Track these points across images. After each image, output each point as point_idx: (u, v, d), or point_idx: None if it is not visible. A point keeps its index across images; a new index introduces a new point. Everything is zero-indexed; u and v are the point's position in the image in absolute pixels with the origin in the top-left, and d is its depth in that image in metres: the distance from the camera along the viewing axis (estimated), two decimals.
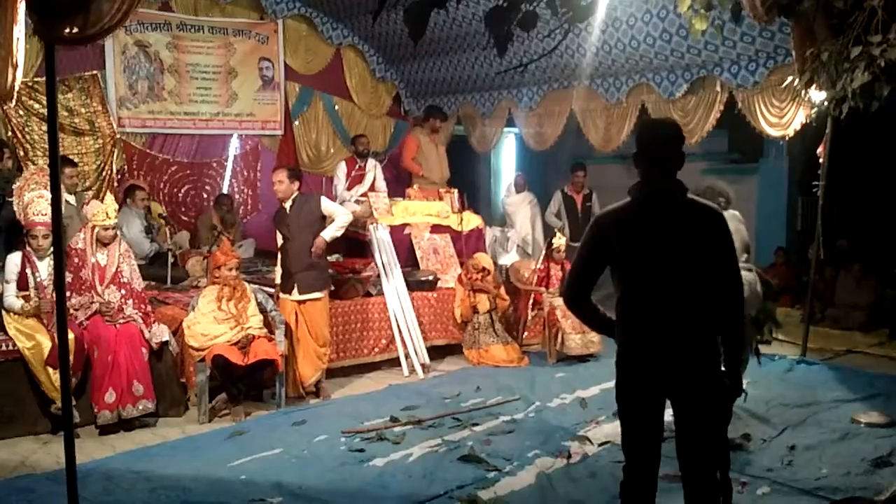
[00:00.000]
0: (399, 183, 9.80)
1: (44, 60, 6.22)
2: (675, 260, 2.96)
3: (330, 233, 6.07)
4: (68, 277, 5.36)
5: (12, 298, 5.29)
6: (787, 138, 7.25)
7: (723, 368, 3.05)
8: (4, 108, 7.17)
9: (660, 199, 3.02)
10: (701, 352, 3.02)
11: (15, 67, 3.93)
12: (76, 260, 5.48)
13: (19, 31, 3.82)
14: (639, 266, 3.01)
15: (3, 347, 5.20)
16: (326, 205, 6.12)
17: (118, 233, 5.72)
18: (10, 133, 7.56)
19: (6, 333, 5.24)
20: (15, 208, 5.46)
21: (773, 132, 7.13)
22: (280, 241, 6.16)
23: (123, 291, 5.56)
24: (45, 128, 7.79)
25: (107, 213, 5.52)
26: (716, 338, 3.06)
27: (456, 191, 8.77)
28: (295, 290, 6.04)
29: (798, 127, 6.90)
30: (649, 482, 3.17)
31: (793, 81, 6.37)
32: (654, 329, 3.01)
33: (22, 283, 5.33)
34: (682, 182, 3.02)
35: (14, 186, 5.49)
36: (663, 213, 2.98)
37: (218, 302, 5.70)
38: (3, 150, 6.54)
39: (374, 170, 8.77)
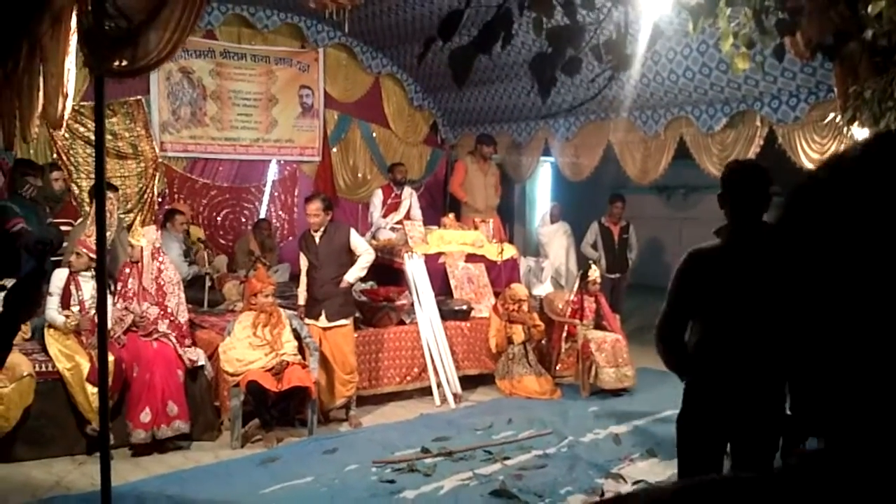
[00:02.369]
0: (434, 211, 9.84)
1: (90, 86, 6.42)
2: (762, 307, 2.95)
3: (354, 275, 6.18)
4: (118, 286, 5.63)
5: (54, 312, 5.41)
6: None
7: (789, 412, 3.06)
8: (51, 131, 7.34)
9: (751, 242, 3.02)
10: (771, 397, 3.04)
11: (65, 97, 4.05)
12: (127, 271, 5.64)
13: (70, 62, 3.94)
14: (726, 310, 3.02)
15: (44, 368, 5.30)
16: (354, 239, 6.22)
17: (163, 258, 5.82)
18: (55, 155, 7.74)
19: (48, 354, 5.34)
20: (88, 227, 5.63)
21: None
22: (305, 265, 6.23)
23: (160, 311, 5.66)
24: (89, 150, 7.97)
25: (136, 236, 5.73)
26: (784, 383, 3.05)
27: (492, 220, 8.78)
28: (322, 317, 6.09)
29: None
30: None
31: (835, 118, 6.31)
32: (731, 372, 3.02)
33: (65, 301, 5.47)
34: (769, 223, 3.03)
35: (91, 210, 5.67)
36: (756, 258, 2.99)
37: (253, 328, 5.75)
38: (53, 171, 6.70)
39: (409, 198, 8.82)
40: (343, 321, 6.16)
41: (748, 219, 3.06)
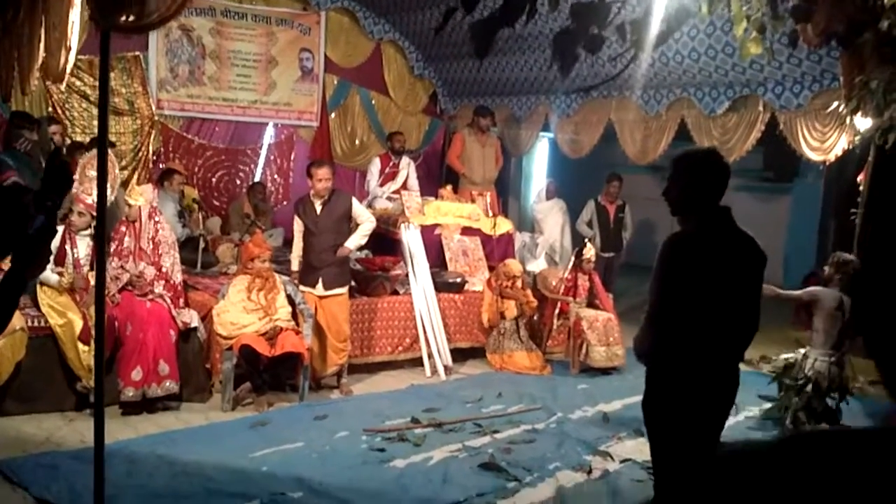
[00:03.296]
0: (431, 181, 9.80)
1: (88, 40, 6.32)
2: (735, 288, 3.05)
3: (355, 242, 6.17)
4: (113, 245, 5.54)
5: (48, 272, 5.36)
6: (827, 163, 7.15)
7: None
8: (47, 83, 7.23)
9: (722, 227, 3.13)
10: (734, 375, 3.16)
11: (68, 50, 3.99)
12: (123, 229, 5.58)
13: (75, 14, 3.87)
14: (706, 295, 3.07)
15: (36, 324, 5.27)
16: (356, 207, 6.21)
17: (160, 218, 5.76)
18: (50, 108, 7.63)
19: (39, 309, 5.31)
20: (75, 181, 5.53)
21: (814, 156, 7.05)
22: (299, 230, 6.18)
23: (156, 271, 5.62)
24: (84, 105, 7.88)
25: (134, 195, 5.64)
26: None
27: (489, 194, 8.75)
28: (319, 285, 6.07)
29: (840, 153, 6.82)
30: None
31: (838, 107, 6.30)
32: (706, 353, 3.11)
33: (60, 259, 5.41)
34: (730, 208, 3.09)
35: (81, 162, 5.55)
36: (730, 242, 3.08)
37: (248, 292, 5.73)
38: (51, 125, 6.61)
39: (407, 167, 8.77)
40: (339, 290, 6.14)
41: (714, 205, 3.13)
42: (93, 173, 5.45)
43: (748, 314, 3.13)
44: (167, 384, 5.45)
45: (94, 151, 5.73)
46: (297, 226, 6.20)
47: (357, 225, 6.21)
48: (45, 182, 2.28)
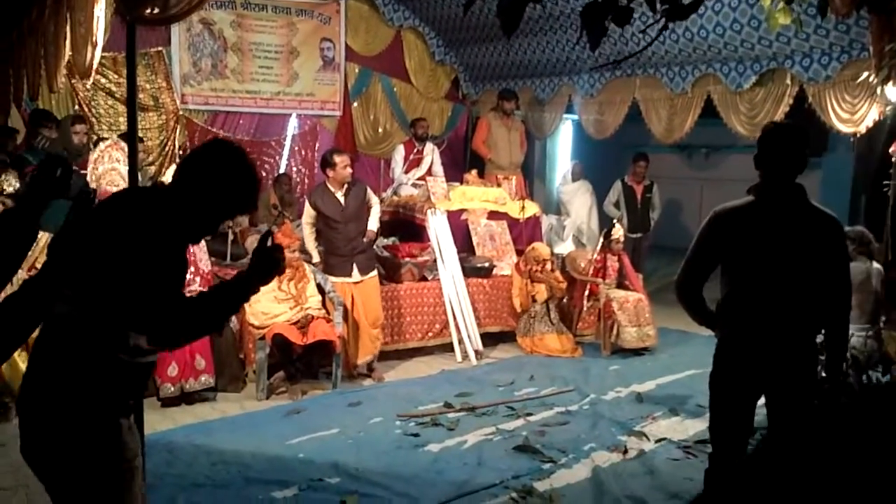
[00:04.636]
0: (455, 167, 9.78)
1: (111, 36, 6.37)
2: (790, 262, 3.03)
3: (376, 224, 6.29)
4: None
5: None
6: (857, 135, 7.03)
7: (823, 374, 3.20)
8: (73, 82, 7.29)
9: (782, 201, 3.09)
10: (801, 353, 3.11)
11: (94, 46, 4.02)
12: None
13: (100, 9, 3.89)
14: (753, 264, 3.08)
15: None
16: (370, 193, 6.33)
17: None
18: (77, 107, 7.71)
19: None
20: (89, 178, 5.59)
21: (844, 128, 6.92)
22: (312, 222, 6.20)
23: (193, 269, 5.66)
24: (111, 102, 7.94)
25: None
26: (816, 341, 3.17)
27: (515, 178, 8.72)
28: (355, 272, 6.10)
29: (870, 124, 6.69)
30: (734, 471, 3.27)
31: (868, 77, 6.18)
32: (759, 326, 3.08)
33: None
34: (803, 186, 3.07)
35: (92, 157, 5.60)
36: (785, 215, 3.06)
37: (278, 282, 5.77)
38: (76, 124, 6.67)
39: (431, 154, 8.75)
40: (373, 273, 6.26)
41: (782, 178, 3.10)
42: (104, 167, 5.51)
43: (813, 291, 3.05)
44: (204, 378, 5.51)
45: (103, 145, 5.82)
46: (309, 218, 6.20)
47: (368, 209, 6.26)
48: (253, 266, 2.26)
